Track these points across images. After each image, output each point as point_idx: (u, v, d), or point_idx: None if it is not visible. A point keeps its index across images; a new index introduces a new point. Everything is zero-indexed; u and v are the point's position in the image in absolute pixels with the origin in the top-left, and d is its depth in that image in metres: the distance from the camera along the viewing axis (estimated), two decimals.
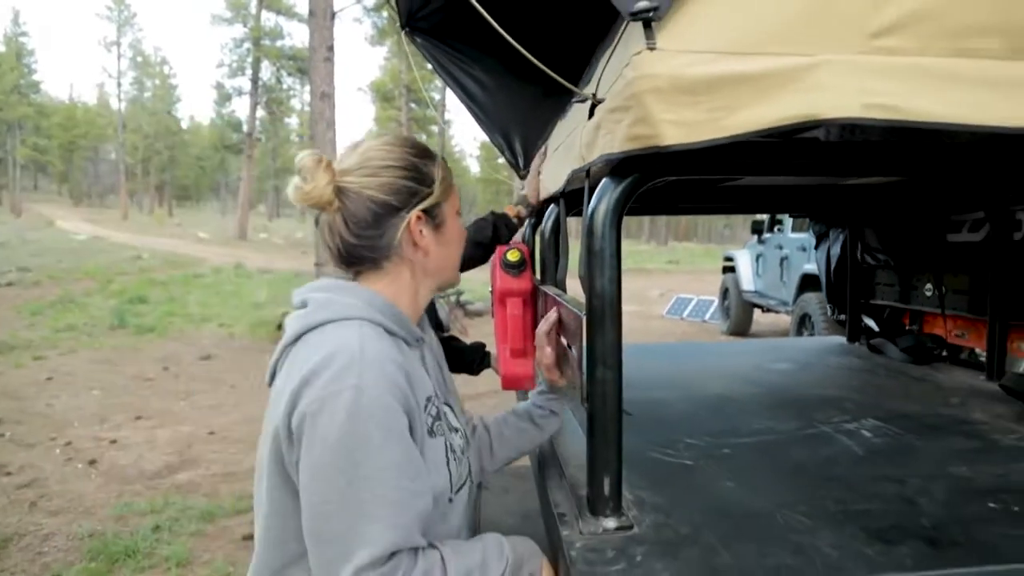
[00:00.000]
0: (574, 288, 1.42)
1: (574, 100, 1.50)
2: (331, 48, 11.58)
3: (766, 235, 10.20)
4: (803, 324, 8.11)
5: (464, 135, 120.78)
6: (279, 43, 37.32)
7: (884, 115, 0.89)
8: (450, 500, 1.12)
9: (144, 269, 18.93)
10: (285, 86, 41.44)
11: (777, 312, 9.97)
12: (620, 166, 1.06)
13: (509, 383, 1.67)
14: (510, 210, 2.15)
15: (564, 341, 1.35)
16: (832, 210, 3.31)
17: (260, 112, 38.59)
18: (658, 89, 0.89)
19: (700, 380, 2.47)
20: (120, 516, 4.02)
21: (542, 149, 2.21)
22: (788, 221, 9.54)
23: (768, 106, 0.88)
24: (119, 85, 51.12)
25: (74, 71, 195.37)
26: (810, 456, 1.60)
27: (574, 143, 1.40)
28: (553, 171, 1.81)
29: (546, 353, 1.41)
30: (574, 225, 1.65)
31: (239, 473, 4.82)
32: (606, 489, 1.13)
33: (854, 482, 1.41)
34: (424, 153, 1.17)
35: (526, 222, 2.32)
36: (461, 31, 2.64)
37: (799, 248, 8.87)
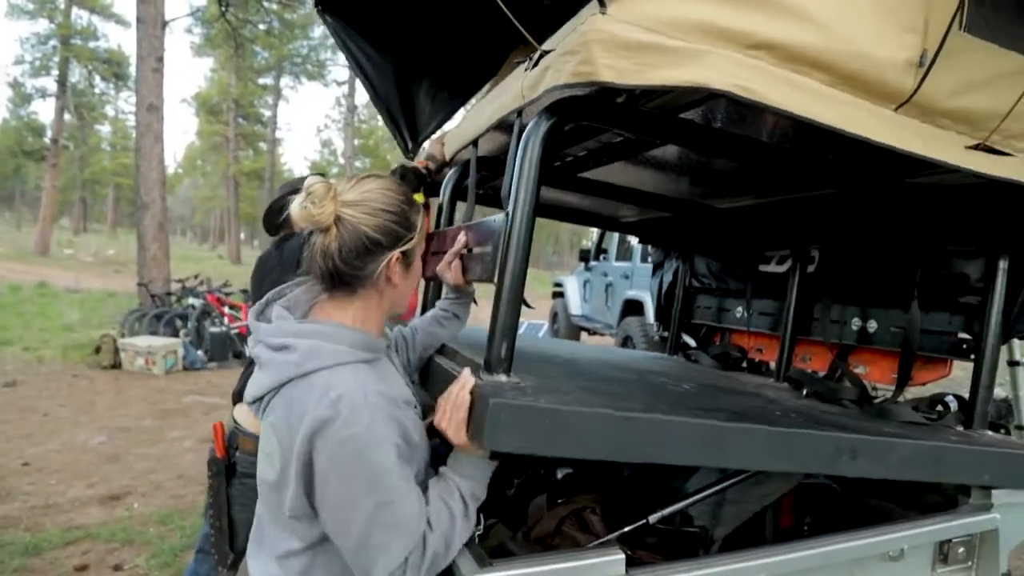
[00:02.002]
0: None
1: (520, 61, 1.74)
2: (161, 59, 11.12)
3: (593, 263, 10.95)
4: (625, 345, 8.83)
5: (294, 154, 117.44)
6: (92, 44, 34.52)
7: (744, 93, 1.25)
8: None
9: None
10: (98, 91, 38.45)
11: (603, 335, 10.73)
12: (549, 108, 1.35)
13: None
14: (419, 163, 2.42)
15: (474, 251, 1.63)
16: (675, 238, 3.79)
17: (67, 117, 35.44)
18: (603, 41, 1.20)
19: (551, 351, 2.75)
20: None
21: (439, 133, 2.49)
22: (612, 250, 10.33)
23: (675, 70, 1.22)
24: None
25: None
26: (644, 391, 1.92)
27: (502, 94, 1.67)
28: (467, 125, 2.04)
29: (454, 268, 1.68)
30: None
31: (63, 504, 4.55)
32: (503, 352, 1.37)
33: (676, 402, 1.75)
34: (410, 202, 1.36)
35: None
36: (371, 20, 2.84)
37: (622, 276, 9.64)
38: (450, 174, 2.18)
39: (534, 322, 13.77)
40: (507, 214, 1.37)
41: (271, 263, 2.56)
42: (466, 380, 1.28)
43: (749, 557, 1.37)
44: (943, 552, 1.63)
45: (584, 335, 11.55)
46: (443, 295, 1.80)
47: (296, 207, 1.25)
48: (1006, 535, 1.67)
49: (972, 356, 2.16)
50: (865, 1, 1.39)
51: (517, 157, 1.37)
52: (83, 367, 9.05)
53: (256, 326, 1.32)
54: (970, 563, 1.66)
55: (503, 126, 1.68)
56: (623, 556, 1.24)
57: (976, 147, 1.56)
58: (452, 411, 1.26)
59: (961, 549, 1.64)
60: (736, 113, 1.64)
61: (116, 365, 9.03)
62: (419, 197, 2.01)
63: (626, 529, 1.61)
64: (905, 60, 1.41)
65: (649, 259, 9.31)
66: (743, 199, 2.74)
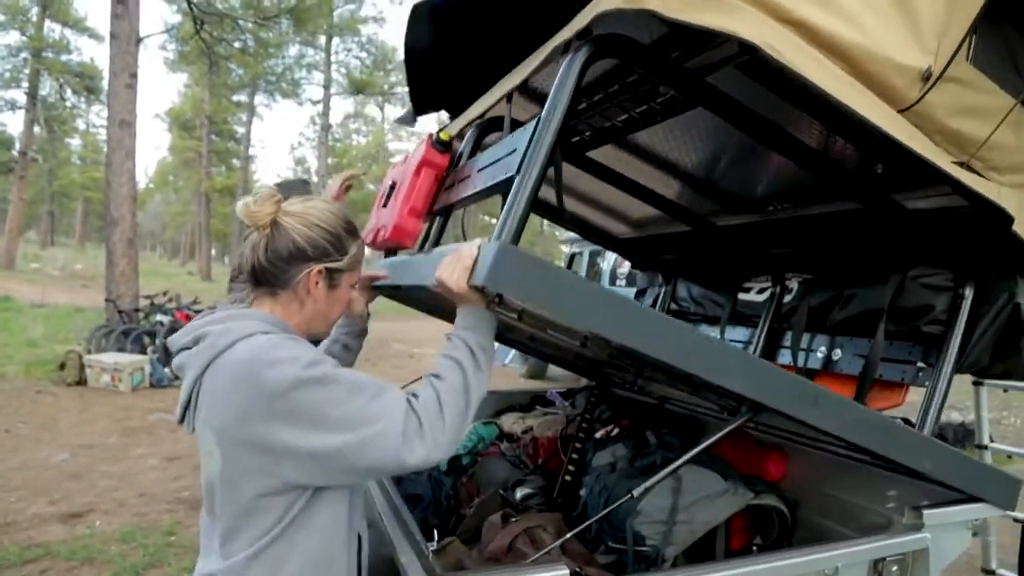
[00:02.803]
0: None
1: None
2: (134, 75, 11.10)
3: None
4: None
5: (267, 171, 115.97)
6: (64, 57, 34.22)
7: (770, 51, 1.34)
8: None
9: None
10: (69, 104, 38.04)
11: None
12: (596, 39, 1.43)
13: (399, 233, 1.97)
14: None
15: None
16: (665, 258, 3.84)
17: (37, 129, 34.97)
18: None
19: None
20: None
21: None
22: (582, 273, 10.45)
23: (715, 16, 1.31)
24: None
25: None
26: None
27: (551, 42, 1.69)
28: (506, 81, 2.05)
29: (362, 288, 1.80)
30: None
31: (22, 522, 4.50)
32: (514, 230, 1.39)
33: None
34: (351, 231, 1.45)
35: None
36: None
37: None
38: (470, 134, 2.17)
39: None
40: (537, 119, 1.42)
41: None
42: (475, 242, 1.36)
43: (692, 573, 1.45)
44: (877, 571, 1.71)
45: None
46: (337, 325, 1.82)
47: (240, 203, 1.35)
48: (937, 554, 1.75)
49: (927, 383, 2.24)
50: (892, 8, 1.52)
51: (557, 78, 1.44)
52: (47, 383, 8.92)
53: (171, 340, 1.38)
54: None
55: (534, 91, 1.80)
56: (567, 571, 1.31)
57: (960, 165, 1.70)
58: (456, 263, 1.33)
59: (895, 567, 1.73)
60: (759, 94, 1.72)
61: (81, 382, 8.91)
62: (445, 135, 2.03)
63: (579, 529, 1.67)
64: (915, 71, 1.53)
65: (619, 283, 9.44)
66: (740, 216, 2.82)
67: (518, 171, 1.42)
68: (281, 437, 1.19)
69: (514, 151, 1.53)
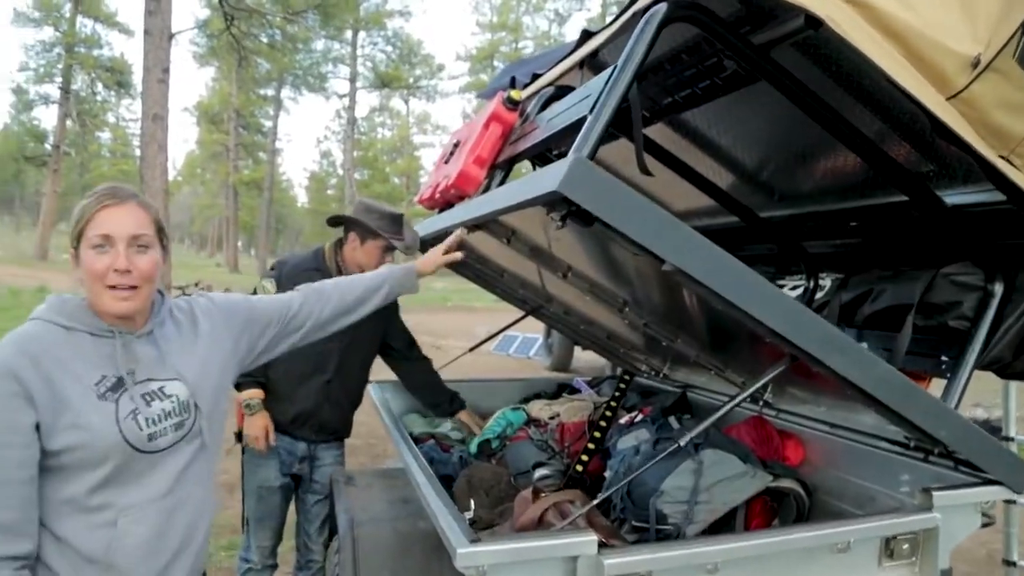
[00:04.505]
0: None
1: None
2: (167, 70, 11.34)
3: None
4: None
5: (294, 164, 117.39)
6: (96, 52, 34.85)
7: (834, 26, 1.40)
8: (140, 451, 1.48)
9: None
10: (100, 98, 38.74)
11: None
12: (669, 3, 1.49)
13: (463, 180, 2.04)
14: None
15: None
16: None
17: (69, 123, 35.64)
18: None
19: None
20: None
21: None
22: None
23: None
24: None
25: None
26: None
27: None
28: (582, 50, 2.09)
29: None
30: None
31: None
32: (594, 140, 1.45)
33: None
34: (91, 205, 1.49)
35: None
36: None
37: None
38: (538, 98, 2.18)
39: (528, 335, 13.93)
40: (613, 67, 1.48)
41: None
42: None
43: (709, 543, 1.55)
44: (889, 548, 1.79)
45: (577, 349, 11.68)
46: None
47: None
48: (947, 535, 1.83)
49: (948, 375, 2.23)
50: None
51: (634, 34, 1.49)
52: None
53: None
54: (914, 559, 1.83)
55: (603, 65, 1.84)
56: (595, 538, 1.41)
57: (1001, 158, 1.71)
58: None
59: (905, 545, 1.80)
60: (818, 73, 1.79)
61: None
62: (516, 94, 2.08)
63: (601, 497, 1.76)
64: (966, 58, 1.56)
65: None
66: (783, 208, 2.83)
67: (591, 110, 1.46)
68: None
69: (588, 96, 1.55)
